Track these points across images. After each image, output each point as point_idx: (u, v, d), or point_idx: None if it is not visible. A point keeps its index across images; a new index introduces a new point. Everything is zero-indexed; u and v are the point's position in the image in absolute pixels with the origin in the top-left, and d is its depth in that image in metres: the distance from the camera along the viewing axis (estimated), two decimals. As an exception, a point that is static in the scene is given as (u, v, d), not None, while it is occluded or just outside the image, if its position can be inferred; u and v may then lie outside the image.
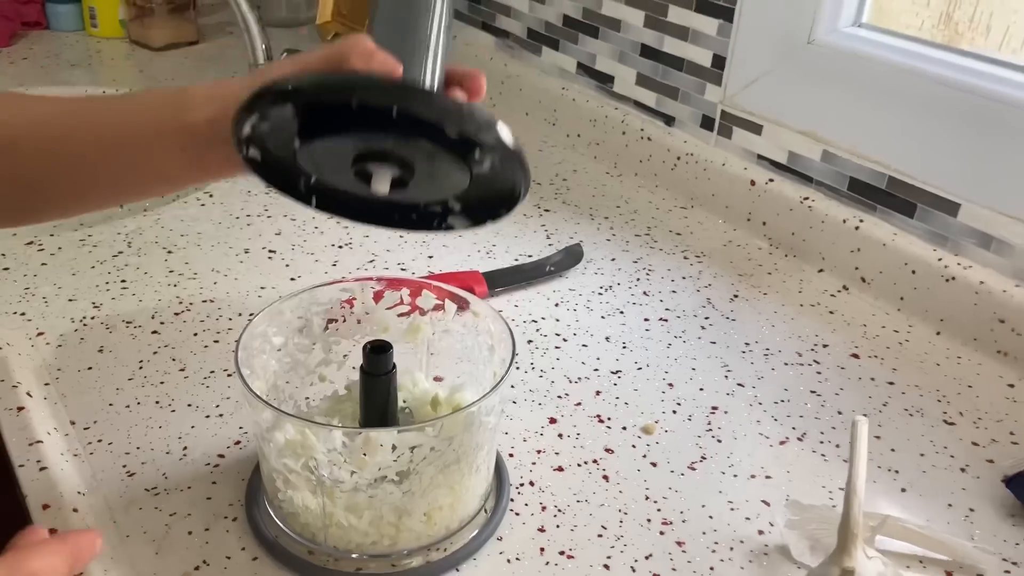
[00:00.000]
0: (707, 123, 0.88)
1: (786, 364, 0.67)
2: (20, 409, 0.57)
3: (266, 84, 0.40)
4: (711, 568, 0.49)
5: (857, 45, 0.76)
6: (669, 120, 0.92)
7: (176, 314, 0.68)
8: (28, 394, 0.58)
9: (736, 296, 0.76)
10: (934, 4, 1.00)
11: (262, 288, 0.72)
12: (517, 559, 0.49)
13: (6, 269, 0.72)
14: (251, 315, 0.50)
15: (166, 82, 1.14)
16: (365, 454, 0.43)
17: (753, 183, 0.84)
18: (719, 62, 0.85)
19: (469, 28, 1.17)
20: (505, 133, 0.41)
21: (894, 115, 0.74)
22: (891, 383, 0.66)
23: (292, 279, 0.74)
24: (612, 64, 0.97)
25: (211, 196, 0.86)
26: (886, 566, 0.46)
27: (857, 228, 0.76)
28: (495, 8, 1.12)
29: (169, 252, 0.76)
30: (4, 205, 0.52)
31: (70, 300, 0.69)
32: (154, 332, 0.66)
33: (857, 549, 0.45)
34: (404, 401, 0.54)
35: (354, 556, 0.47)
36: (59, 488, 0.51)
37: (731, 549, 0.51)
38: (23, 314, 0.67)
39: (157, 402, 0.59)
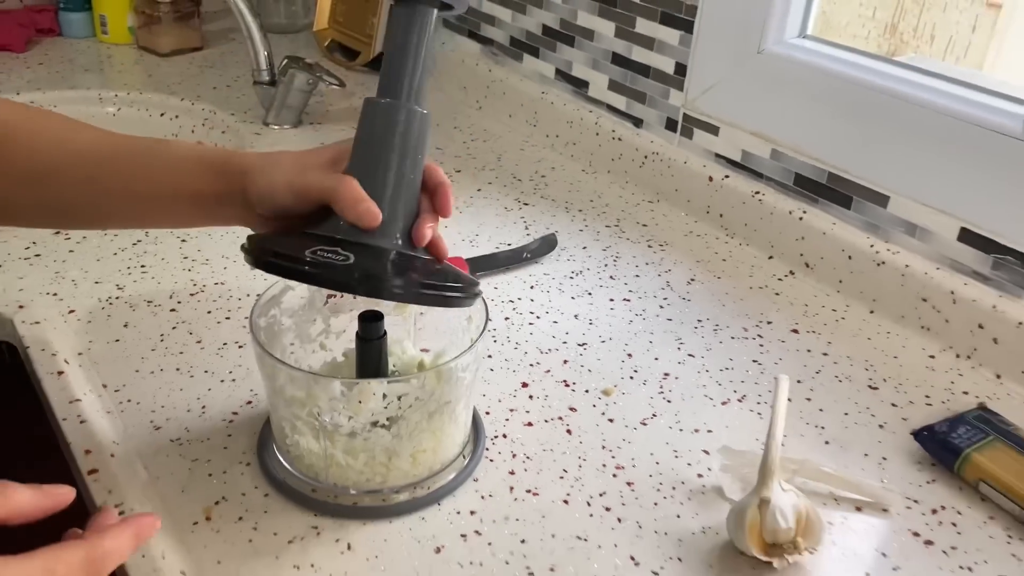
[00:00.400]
0: (671, 125, 0.97)
1: (733, 338, 0.76)
2: (60, 373, 0.65)
3: (276, 255, 0.48)
4: (655, 504, 0.58)
5: (801, 55, 0.85)
6: (637, 122, 1.01)
7: (191, 294, 0.77)
8: (65, 361, 0.66)
9: (693, 280, 0.84)
10: (879, 16, 1.09)
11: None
12: (490, 496, 0.58)
13: (38, 255, 0.80)
14: (259, 294, 0.59)
15: (173, 85, 1.22)
16: (360, 401, 0.52)
17: (711, 179, 0.93)
18: (681, 69, 0.94)
19: (457, 36, 1.26)
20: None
21: (833, 118, 0.82)
22: (825, 354, 0.74)
23: (294, 264, 0.82)
24: (586, 71, 1.06)
25: (219, 191, 0.94)
26: (799, 497, 0.54)
27: (801, 219, 0.85)
28: (480, 18, 1.20)
29: (183, 241, 0.85)
30: (33, 219, 0.61)
31: (96, 283, 0.77)
32: (172, 310, 0.74)
33: (774, 482, 0.54)
34: (394, 366, 0.62)
35: (352, 492, 0.56)
36: (97, 437, 0.59)
37: (673, 488, 0.59)
38: (55, 294, 0.75)
39: (177, 369, 0.68)
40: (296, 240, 0.50)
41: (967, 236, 0.74)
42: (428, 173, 0.54)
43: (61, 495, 0.44)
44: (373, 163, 0.51)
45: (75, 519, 0.45)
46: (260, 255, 0.50)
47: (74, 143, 0.57)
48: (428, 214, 0.54)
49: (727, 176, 0.92)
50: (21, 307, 0.72)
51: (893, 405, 0.69)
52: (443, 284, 0.50)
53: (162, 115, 1.20)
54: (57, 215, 0.60)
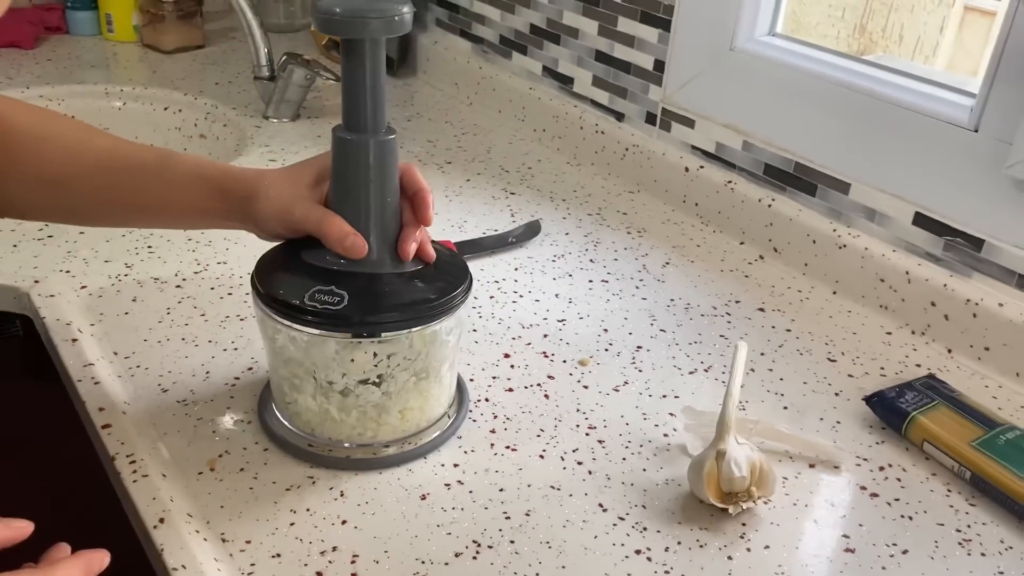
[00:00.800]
0: (650, 119, 1.02)
1: (703, 315, 0.81)
2: (74, 341, 0.70)
3: (278, 302, 0.56)
4: (623, 459, 0.63)
5: (770, 52, 0.90)
6: (619, 116, 1.06)
7: (195, 272, 0.82)
8: (79, 330, 0.71)
9: (668, 263, 0.89)
10: (848, 16, 1.15)
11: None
12: (472, 451, 0.63)
13: (50, 236, 0.85)
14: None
15: (176, 81, 1.27)
16: (352, 360, 0.57)
17: (687, 169, 0.98)
18: (659, 66, 0.99)
19: (449, 35, 1.31)
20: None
21: (800, 111, 0.88)
22: (788, 330, 0.80)
23: (292, 246, 0.87)
24: (572, 67, 1.11)
25: (221, 179, 0.99)
26: (753, 451, 0.59)
27: (770, 206, 0.90)
28: (471, 17, 1.26)
29: (187, 224, 0.90)
30: (47, 217, 0.67)
31: (106, 261, 0.82)
32: (177, 286, 0.79)
33: (730, 436, 0.59)
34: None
35: (345, 445, 0.61)
36: (110, 397, 0.64)
37: (640, 446, 0.64)
38: (68, 271, 0.80)
39: (183, 339, 0.73)
40: (296, 279, 0.57)
41: (921, 220, 0.79)
42: (406, 179, 0.59)
43: (20, 528, 0.47)
44: (352, 196, 0.57)
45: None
46: (267, 300, 0.57)
47: (86, 154, 0.62)
48: (410, 226, 0.59)
49: (702, 167, 0.97)
50: (36, 282, 0.77)
51: (849, 376, 0.74)
52: (429, 302, 0.57)
53: (166, 109, 1.25)
54: (69, 216, 0.66)
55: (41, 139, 0.62)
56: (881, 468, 0.64)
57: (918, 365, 0.76)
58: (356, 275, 0.57)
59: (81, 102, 1.23)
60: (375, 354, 0.57)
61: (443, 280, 0.59)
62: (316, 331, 0.56)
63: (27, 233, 0.85)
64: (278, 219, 0.59)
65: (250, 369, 0.70)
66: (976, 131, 0.75)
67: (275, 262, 0.60)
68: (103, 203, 0.63)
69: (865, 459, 0.65)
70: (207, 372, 0.69)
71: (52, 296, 0.75)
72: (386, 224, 0.58)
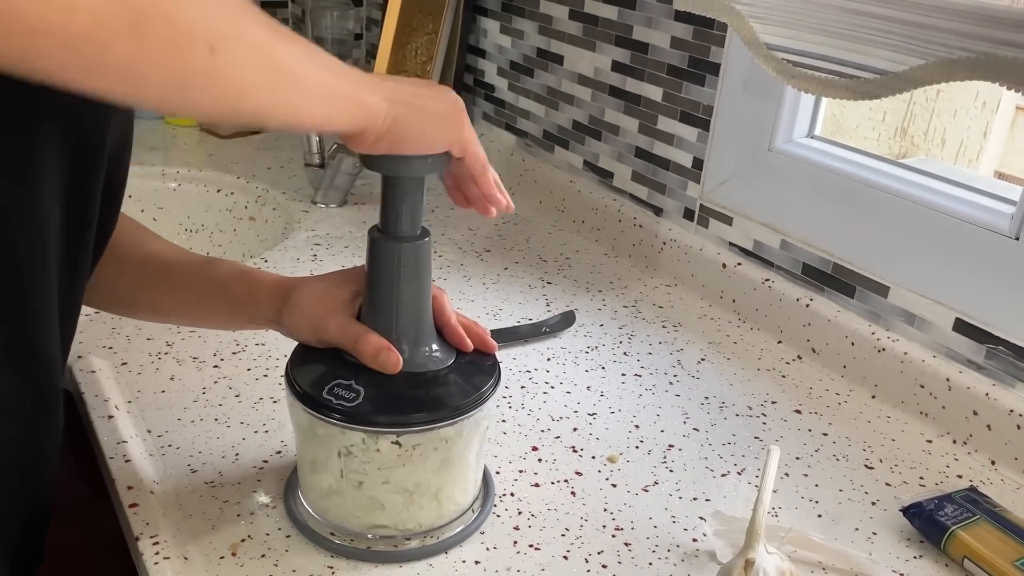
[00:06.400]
0: (688, 214, 1.03)
1: (737, 415, 0.80)
2: (110, 417, 0.71)
3: (303, 393, 0.57)
4: (650, 564, 0.61)
5: (808, 153, 0.91)
6: (657, 211, 1.07)
7: (233, 353, 0.83)
8: (116, 407, 0.73)
9: (703, 359, 0.89)
10: (889, 120, 1.16)
11: (304, 336, 0.87)
12: (495, 548, 0.62)
13: (97, 313, 0.87)
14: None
15: (231, 165, 1.32)
16: (378, 450, 0.57)
17: (725, 266, 0.98)
18: (698, 164, 1.01)
19: (495, 129, 1.35)
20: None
21: (838, 213, 0.88)
22: (825, 434, 0.78)
23: (329, 330, 0.88)
24: (611, 162, 1.13)
25: (265, 261, 1.02)
26: (783, 561, 0.58)
27: (808, 306, 0.90)
28: (517, 112, 1.29)
29: (229, 304, 0.92)
30: (102, 300, 0.68)
31: (148, 339, 0.84)
32: (215, 366, 0.81)
33: (760, 545, 0.57)
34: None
35: (368, 537, 0.60)
36: (139, 476, 0.65)
37: (668, 551, 0.63)
38: (110, 347, 0.82)
39: (216, 419, 0.73)
40: (322, 370, 0.59)
41: (961, 326, 0.78)
42: (435, 310, 0.61)
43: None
44: (384, 301, 0.59)
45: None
46: (292, 389, 0.59)
47: (144, 247, 0.66)
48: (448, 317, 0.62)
49: (739, 264, 0.97)
50: (79, 357, 0.79)
51: (887, 484, 0.72)
52: (445, 408, 0.58)
53: (219, 191, 1.29)
54: (122, 302, 0.68)
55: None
56: (919, 585, 0.61)
57: (959, 476, 0.73)
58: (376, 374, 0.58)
59: (139, 182, 1.28)
60: (400, 444, 0.57)
61: (468, 380, 0.60)
62: (332, 422, 0.57)
63: (76, 309, 0.88)
64: (312, 333, 0.60)
65: (279, 453, 0.70)
66: (1017, 239, 0.74)
67: (306, 359, 0.61)
68: (150, 296, 0.67)
69: (902, 574, 0.62)
70: (236, 454, 0.69)
71: (93, 372, 0.77)
72: (416, 324, 0.59)
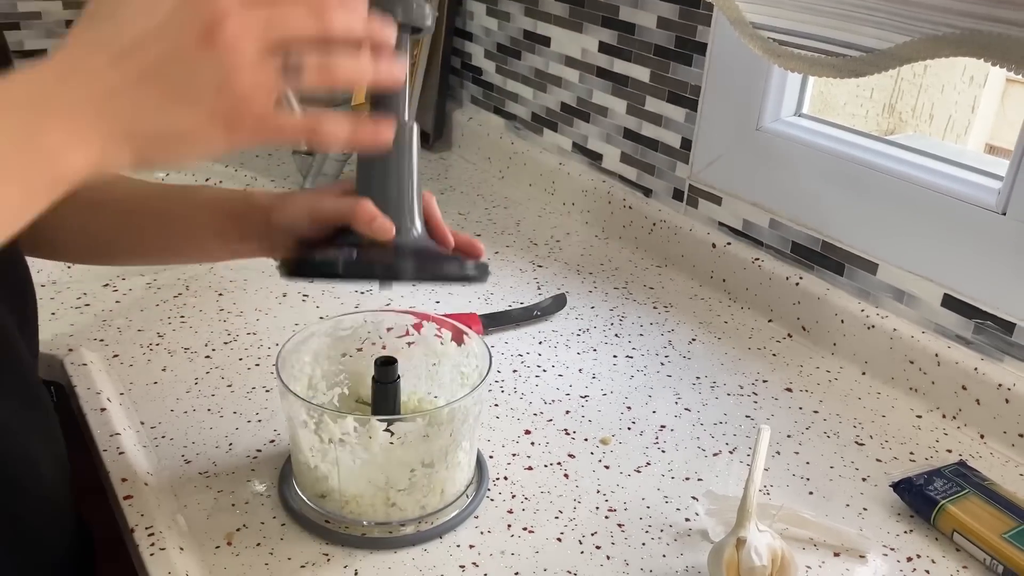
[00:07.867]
0: (678, 195, 1.03)
1: (729, 394, 0.80)
2: (103, 410, 0.71)
3: (308, 261, 0.56)
4: (643, 544, 0.62)
5: (796, 132, 0.91)
6: (647, 192, 1.07)
7: (225, 343, 0.83)
8: (108, 399, 0.73)
9: (694, 340, 0.89)
10: (877, 96, 1.15)
11: (296, 324, 0.87)
12: (489, 532, 0.62)
13: (87, 305, 0.88)
14: (287, 340, 0.65)
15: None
16: (371, 437, 0.57)
17: (714, 246, 0.98)
18: (686, 144, 1.00)
19: (483, 111, 1.34)
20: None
21: (826, 191, 0.88)
22: (816, 412, 0.78)
23: (321, 317, 0.88)
24: (601, 144, 1.13)
25: (255, 250, 1.01)
26: (775, 539, 0.58)
27: (797, 284, 0.90)
28: (505, 95, 1.29)
29: (220, 294, 0.92)
30: (79, 251, 0.68)
31: (139, 331, 0.84)
32: (207, 357, 0.81)
33: (751, 523, 0.58)
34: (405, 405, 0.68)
35: (362, 523, 0.61)
36: (134, 468, 0.65)
37: (661, 531, 0.63)
38: (102, 340, 0.82)
39: (209, 410, 0.74)
40: (319, 251, 0.57)
41: (950, 302, 0.78)
42: (425, 209, 0.60)
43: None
44: (378, 179, 0.58)
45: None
46: (286, 263, 0.57)
47: (118, 185, 0.66)
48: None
49: (729, 243, 0.97)
50: (71, 350, 0.79)
51: (878, 460, 0.72)
52: (441, 260, 0.57)
53: (207, 180, 1.29)
54: (99, 246, 0.67)
55: None
56: (909, 559, 0.62)
57: (949, 451, 0.74)
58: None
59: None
60: (392, 431, 0.57)
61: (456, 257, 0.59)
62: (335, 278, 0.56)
63: (66, 301, 0.88)
64: (308, 214, 0.60)
65: (272, 442, 0.70)
66: (1004, 214, 0.74)
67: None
68: (131, 228, 0.66)
69: (892, 548, 0.63)
70: (230, 444, 0.70)
71: (84, 364, 0.77)
72: (409, 201, 0.59)
